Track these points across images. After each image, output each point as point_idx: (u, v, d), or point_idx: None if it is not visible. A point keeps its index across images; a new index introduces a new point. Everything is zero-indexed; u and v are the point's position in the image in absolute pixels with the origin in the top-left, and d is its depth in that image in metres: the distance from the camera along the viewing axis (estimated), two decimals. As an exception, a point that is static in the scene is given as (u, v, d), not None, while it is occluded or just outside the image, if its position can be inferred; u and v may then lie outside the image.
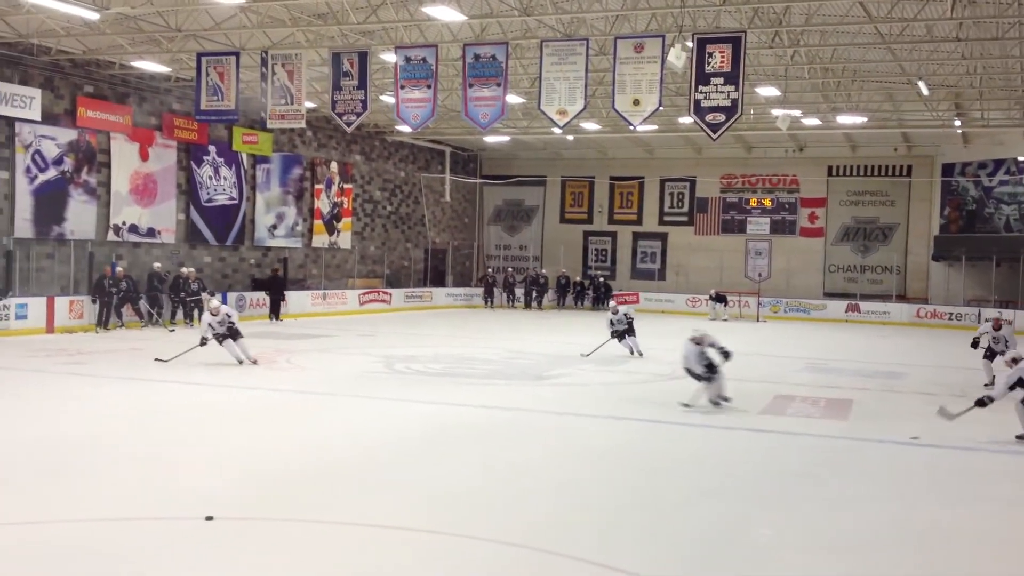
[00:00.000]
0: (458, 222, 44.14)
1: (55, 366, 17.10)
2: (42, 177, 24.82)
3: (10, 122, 23.89)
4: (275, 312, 29.09)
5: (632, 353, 20.73)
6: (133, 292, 24.91)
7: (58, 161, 25.25)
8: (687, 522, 8.19)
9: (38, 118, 24.36)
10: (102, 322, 23.91)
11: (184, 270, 26.82)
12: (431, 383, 16.35)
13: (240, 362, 17.48)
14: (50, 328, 22.97)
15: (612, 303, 23.36)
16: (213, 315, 17.47)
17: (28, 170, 24.47)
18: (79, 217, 25.80)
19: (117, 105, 26.75)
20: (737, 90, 18.28)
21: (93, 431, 11.41)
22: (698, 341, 14.05)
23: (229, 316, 17.62)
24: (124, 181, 27.21)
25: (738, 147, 39.43)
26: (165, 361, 17.40)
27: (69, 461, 9.65)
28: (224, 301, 27.72)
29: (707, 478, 9.80)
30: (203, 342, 17.40)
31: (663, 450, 11.37)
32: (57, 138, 25.19)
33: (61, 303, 23.57)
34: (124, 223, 27.17)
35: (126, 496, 8.33)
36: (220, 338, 17.45)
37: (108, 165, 26.71)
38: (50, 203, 25.01)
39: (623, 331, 20.75)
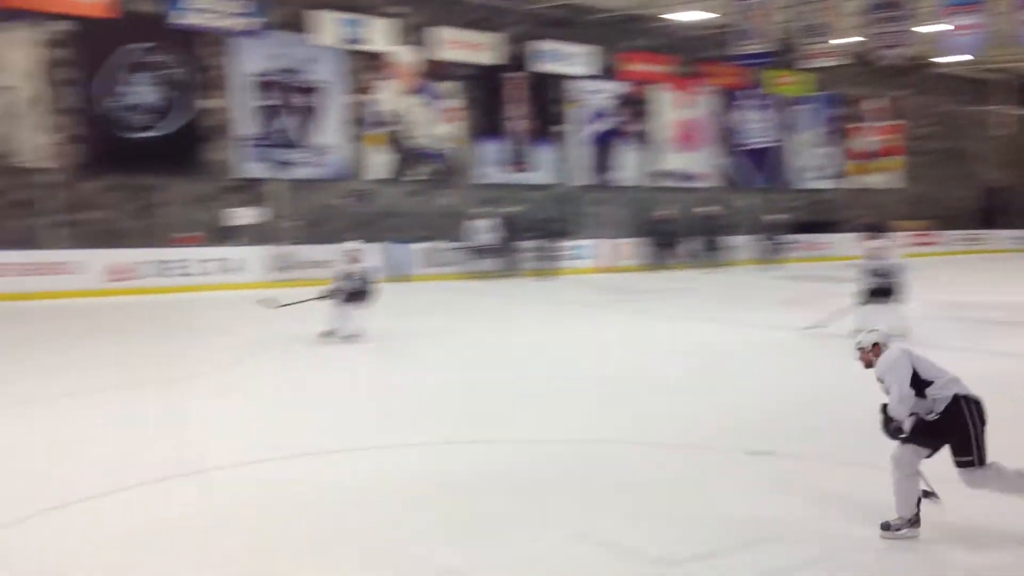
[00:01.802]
0: (1019, 157, 39.55)
1: (610, 303, 18.12)
2: (594, 128, 26.70)
3: (565, 79, 25.87)
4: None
5: (333, 332, 12.71)
6: (682, 235, 25.83)
7: (607, 113, 26.94)
8: None
9: (589, 73, 26.07)
10: (654, 263, 25.17)
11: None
12: (996, 332, 14.51)
13: None
14: (606, 268, 24.63)
15: (350, 243, 13.81)
16: None
17: (582, 122, 26.45)
18: (627, 164, 27.39)
19: (660, 56, 27.71)
20: None
21: (642, 363, 11.66)
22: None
23: None
24: (667, 129, 28.27)
25: None
26: None
27: (619, 390, 9.89)
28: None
29: None
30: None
31: None
32: (606, 91, 26.85)
33: (615, 245, 25.20)
34: (667, 169, 28.27)
35: (676, 425, 8.25)
36: None
37: (652, 114, 27.89)
38: (601, 152, 26.86)
39: (354, 293, 12.92)
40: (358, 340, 12.53)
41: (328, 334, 12.56)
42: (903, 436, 5.40)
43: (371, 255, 13.50)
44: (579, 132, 26.51)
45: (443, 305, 17.65)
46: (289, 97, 21.84)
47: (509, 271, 22.90)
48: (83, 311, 15.83)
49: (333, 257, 17.82)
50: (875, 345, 5.66)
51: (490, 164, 24.96)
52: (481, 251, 22.74)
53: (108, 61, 19.32)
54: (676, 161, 28.52)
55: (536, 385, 9.90)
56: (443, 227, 23.34)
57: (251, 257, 19.67)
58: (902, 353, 5.54)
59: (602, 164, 26.95)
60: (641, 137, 27.77)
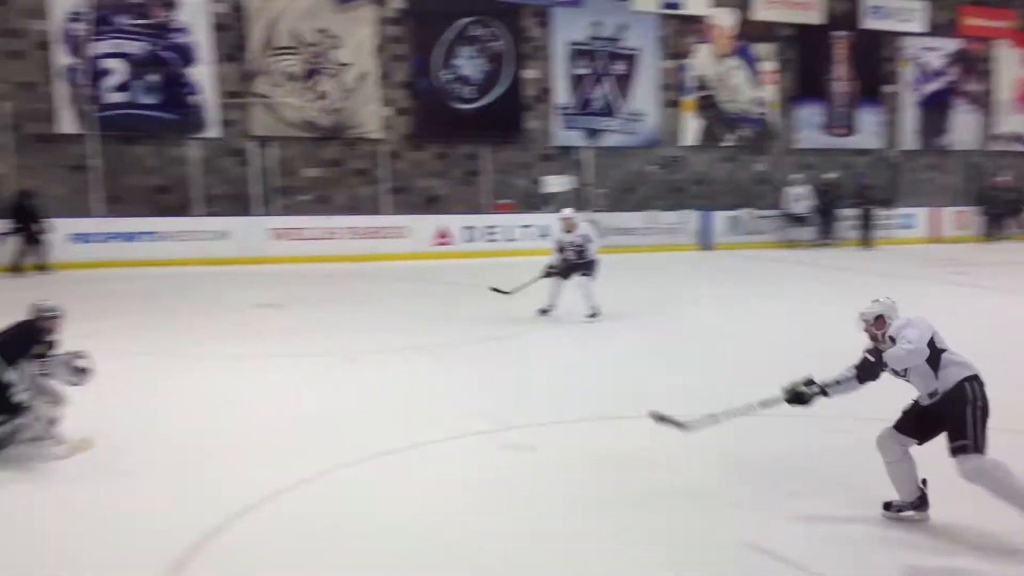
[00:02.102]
0: None
1: (936, 276, 16.89)
2: (926, 89, 24.93)
3: (894, 36, 24.29)
4: None
5: (549, 310, 11.76)
6: (1019, 204, 23.62)
7: (942, 72, 25.03)
8: None
9: (922, 30, 24.33)
10: (990, 233, 23.22)
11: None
12: None
13: None
14: (935, 238, 23.02)
15: (565, 211, 12.41)
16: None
17: (913, 83, 24.76)
18: (961, 127, 25.40)
19: (999, 10, 25.35)
20: None
21: (969, 339, 10.69)
22: None
23: None
24: (1008, 88, 25.85)
25: None
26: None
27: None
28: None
29: None
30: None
31: None
32: (940, 48, 24.93)
33: (946, 213, 23.46)
34: (1008, 132, 25.90)
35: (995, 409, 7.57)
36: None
37: (992, 73, 25.60)
38: (934, 114, 25.07)
39: (573, 265, 11.75)
40: (597, 317, 11.41)
41: (545, 311, 11.64)
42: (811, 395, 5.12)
43: (587, 223, 12.26)
44: (909, 93, 24.83)
45: (751, 274, 17.28)
46: (604, 65, 22.09)
47: (826, 240, 21.97)
48: (411, 272, 16.95)
49: (554, 226, 17.96)
50: (879, 318, 5.14)
51: (808, 128, 23.99)
52: (796, 219, 21.94)
53: (437, 36, 20.43)
54: (1019, 123, 26.01)
55: (836, 359, 9.42)
56: (756, 194, 22.78)
57: (563, 223, 20.19)
58: (924, 320, 4.99)
59: (933, 127, 25.09)
60: (979, 98, 25.56)
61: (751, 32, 23.15)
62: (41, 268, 15.93)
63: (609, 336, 10.93)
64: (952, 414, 4.80)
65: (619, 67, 22.25)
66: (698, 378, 8.67)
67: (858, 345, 5.32)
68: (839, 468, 6.07)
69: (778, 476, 6.00)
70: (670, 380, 8.63)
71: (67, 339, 6.62)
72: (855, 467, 5.83)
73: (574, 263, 11.63)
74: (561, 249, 11.72)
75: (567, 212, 12.16)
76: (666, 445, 6.40)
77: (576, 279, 11.65)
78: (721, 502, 5.58)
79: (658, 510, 5.48)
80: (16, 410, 6.14)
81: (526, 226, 19.81)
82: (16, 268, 15.72)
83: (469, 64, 20.81)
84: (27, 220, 15.89)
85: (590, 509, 5.48)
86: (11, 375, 6.16)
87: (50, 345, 6.42)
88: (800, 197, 21.88)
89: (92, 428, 6.60)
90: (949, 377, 4.84)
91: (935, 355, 4.87)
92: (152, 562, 4.71)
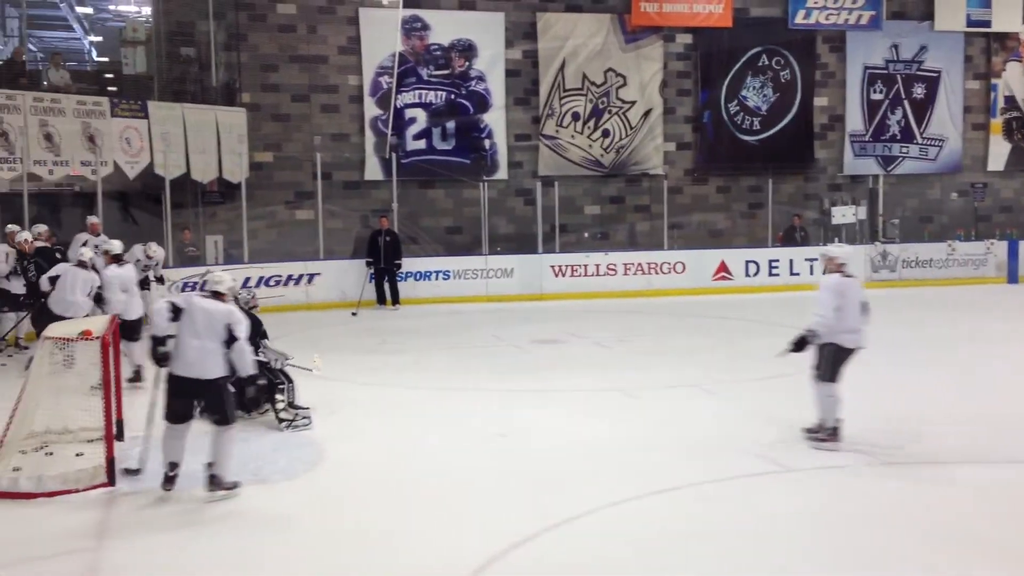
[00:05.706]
0: None
1: None
2: None
3: None
4: None
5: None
6: None
7: None
8: None
9: None
10: None
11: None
12: None
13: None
14: None
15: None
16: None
17: None
18: None
19: None
20: None
21: None
22: None
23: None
24: None
25: None
26: None
27: None
28: None
29: None
30: None
31: None
32: None
33: None
34: None
35: None
36: None
37: None
38: None
39: None
40: None
41: None
42: None
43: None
44: None
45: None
46: (900, 88, 21.03)
47: None
48: (690, 308, 16.75)
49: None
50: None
51: None
52: (1124, 248, 19.71)
53: (724, 68, 20.27)
54: None
55: None
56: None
57: (853, 256, 19.23)
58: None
59: None
60: None
61: (1069, 46, 21.24)
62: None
63: (907, 376, 10.48)
64: None
65: (918, 90, 21.12)
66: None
67: None
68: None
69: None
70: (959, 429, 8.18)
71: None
72: None
73: None
74: None
75: None
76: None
77: None
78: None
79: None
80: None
81: (811, 259, 19.09)
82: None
83: (756, 95, 20.49)
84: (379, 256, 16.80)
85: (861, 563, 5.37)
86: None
87: None
88: None
89: (377, 455, 7.30)
90: None
91: None
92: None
